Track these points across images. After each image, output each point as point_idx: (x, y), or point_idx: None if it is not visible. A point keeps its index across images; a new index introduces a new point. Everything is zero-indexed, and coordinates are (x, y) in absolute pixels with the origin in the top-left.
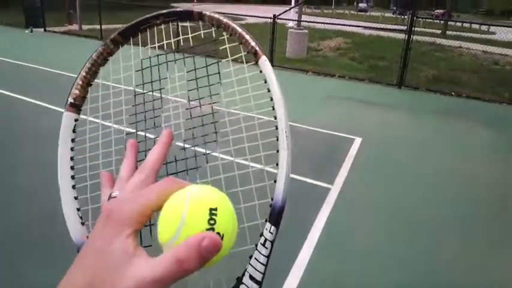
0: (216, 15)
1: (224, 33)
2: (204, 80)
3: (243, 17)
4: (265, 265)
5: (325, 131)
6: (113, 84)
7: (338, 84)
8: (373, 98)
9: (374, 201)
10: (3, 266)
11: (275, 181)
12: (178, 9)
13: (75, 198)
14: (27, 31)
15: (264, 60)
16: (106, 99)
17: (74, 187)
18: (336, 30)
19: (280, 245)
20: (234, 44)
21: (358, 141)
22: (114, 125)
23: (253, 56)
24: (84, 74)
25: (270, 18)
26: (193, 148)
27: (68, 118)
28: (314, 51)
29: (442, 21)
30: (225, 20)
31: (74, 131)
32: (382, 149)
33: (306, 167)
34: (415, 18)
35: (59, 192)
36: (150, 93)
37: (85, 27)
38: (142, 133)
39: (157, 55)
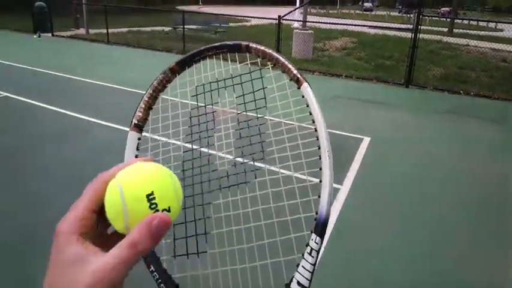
0: (262, 48)
1: (269, 63)
2: (251, 104)
3: (248, 18)
4: (312, 272)
5: (333, 131)
6: (173, 99)
7: (345, 84)
8: (381, 97)
9: (383, 201)
10: (17, 268)
11: (319, 196)
12: (228, 43)
13: None
14: (35, 36)
15: (305, 87)
16: (165, 120)
17: None
18: (342, 30)
19: (288, 239)
20: (278, 72)
21: (366, 140)
22: (175, 141)
23: (296, 83)
24: (146, 98)
25: (275, 19)
26: (242, 162)
27: (132, 137)
28: (320, 52)
29: (448, 19)
30: (269, 51)
31: (137, 148)
32: (391, 149)
33: (314, 166)
34: (421, 16)
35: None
36: (204, 115)
37: (92, 31)
38: (197, 151)
39: (210, 82)
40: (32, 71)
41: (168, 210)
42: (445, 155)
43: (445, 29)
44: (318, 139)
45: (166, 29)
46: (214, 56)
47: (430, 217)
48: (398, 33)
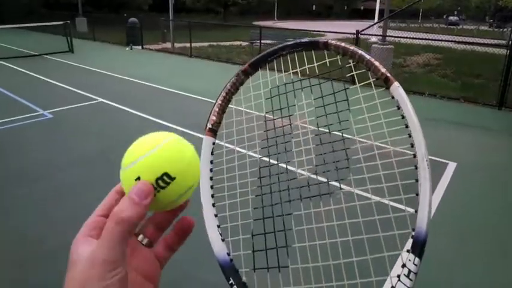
0: (342, 44)
1: (350, 61)
2: (332, 107)
3: (323, 33)
4: None
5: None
6: (246, 110)
7: (428, 103)
8: (469, 119)
9: (468, 235)
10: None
11: (416, 211)
12: (304, 40)
13: (215, 215)
14: (127, 48)
15: (396, 86)
16: (240, 125)
17: (213, 205)
18: (424, 45)
19: (381, 257)
20: (361, 71)
21: (452, 166)
22: (248, 152)
23: (384, 83)
24: (220, 102)
25: (353, 34)
26: (324, 175)
27: (207, 141)
28: (400, 68)
29: None
30: (352, 47)
31: (212, 153)
32: (480, 177)
33: (395, 191)
34: None
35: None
36: (280, 119)
37: (177, 45)
38: (274, 157)
39: (285, 83)
40: (123, 80)
41: (163, 179)
42: None
43: None
44: (413, 146)
45: (244, 43)
46: (288, 55)
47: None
48: (489, 50)
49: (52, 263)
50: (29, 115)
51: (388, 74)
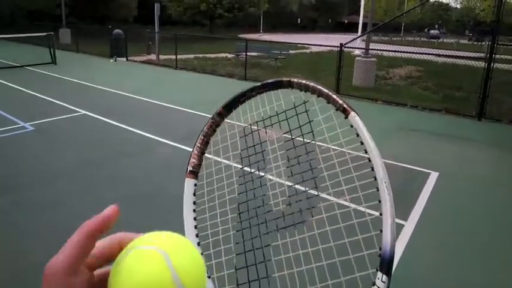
0: (303, 81)
1: (313, 96)
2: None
3: (308, 45)
4: None
5: (397, 163)
6: (222, 151)
7: (410, 115)
8: (450, 130)
9: (450, 245)
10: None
11: (381, 231)
12: (270, 81)
13: (201, 254)
14: (111, 60)
15: (353, 116)
16: (218, 164)
17: (198, 244)
18: (406, 58)
19: (353, 279)
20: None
21: (434, 176)
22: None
23: (342, 113)
24: (198, 144)
25: (336, 46)
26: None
27: (188, 184)
28: (383, 80)
29: None
30: (311, 83)
31: (194, 194)
32: (461, 186)
33: (373, 199)
34: (495, 45)
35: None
36: (254, 155)
37: (162, 57)
38: (251, 193)
39: (257, 121)
40: (107, 92)
41: None
42: None
43: None
44: (373, 169)
45: (229, 55)
46: (258, 96)
47: (499, 268)
48: (469, 62)
49: (33, 277)
50: (9, 127)
51: (345, 105)
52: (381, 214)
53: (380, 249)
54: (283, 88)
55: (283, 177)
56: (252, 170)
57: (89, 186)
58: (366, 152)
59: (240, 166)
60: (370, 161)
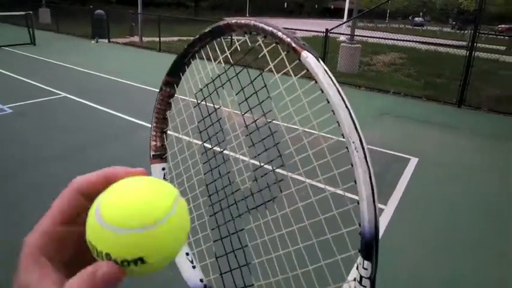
0: (243, 21)
1: (259, 38)
2: (254, 97)
3: (294, 30)
4: None
5: (379, 149)
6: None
7: (393, 101)
8: (431, 116)
9: (427, 226)
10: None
11: (358, 202)
12: (207, 29)
13: None
14: (93, 41)
15: (305, 57)
16: (179, 142)
17: None
18: (390, 45)
19: (331, 256)
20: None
21: (414, 161)
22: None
23: (294, 53)
24: (154, 124)
25: (322, 32)
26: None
27: (155, 170)
28: (367, 66)
29: (507, 37)
30: (252, 22)
31: (164, 179)
32: (440, 171)
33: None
34: (477, 33)
35: None
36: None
37: (145, 39)
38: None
39: (206, 84)
40: (89, 74)
41: (135, 261)
42: (498, 182)
43: (503, 48)
44: (339, 125)
45: None
46: (201, 50)
47: (474, 246)
48: (451, 50)
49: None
50: None
51: (294, 44)
52: (355, 182)
53: (359, 225)
54: (225, 35)
55: (244, 150)
56: (213, 146)
57: (71, 170)
58: (329, 102)
59: (201, 142)
60: (334, 113)
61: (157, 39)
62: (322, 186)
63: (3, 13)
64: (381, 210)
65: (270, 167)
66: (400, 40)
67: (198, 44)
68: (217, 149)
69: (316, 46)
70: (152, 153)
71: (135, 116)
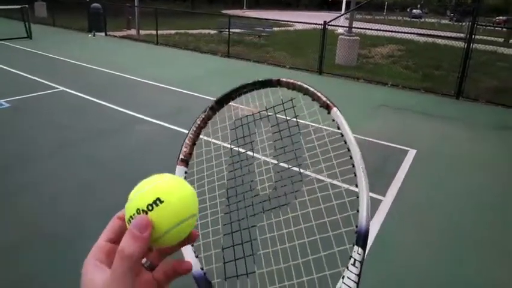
0: (291, 80)
1: (299, 93)
2: (286, 131)
3: (292, 23)
4: (357, 282)
5: (377, 141)
6: (213, 141)
7: (391, 93)
8: (429, 108)
9: (425, 218)
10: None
11: (357, 210)
12: (260, 79)
13: None
14: (90, 35)
15: (335, 111)
16: (208, 154)
17: None
18: (389, 37)
19: (332, 253)
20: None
21: (412, 153)
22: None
23: (326, 109)
24: (190, 135)
25: (320, 24)
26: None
27: (179, 171)
28: (365, 58)
29: (504, 29)
30: (298, 82)
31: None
32: (438, 163)
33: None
34: (475, 25)
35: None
36: (243, 145)
37: (142, 32)
38: (240, 179)
39: (247, 115)
40: (86, 68)
41: (155, 202)
42: (496, 174)
43: (501, 39)
44: (351, 158)
45: (212, 32)
46: (249, 93)
47: (474, 239)
48: (449, 42)
49: (13, 258)
50: None
51: (329, 102)
52: (357, 197)
53: (357, 226)
54: (272, 87)
55: (269, 163)
56: (241, 157)
57: (68, 166)
58: (346, 143)
59: (229, 155)
60: (349, 150)
61: (154, 32)
62: (325, 181)
63: None
64: (379, 201)
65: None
66: (398, 32)
67: (249, 87)
68: (245, 160)
69: (314, 39)
70: (181, 157)
71: (134, 110)
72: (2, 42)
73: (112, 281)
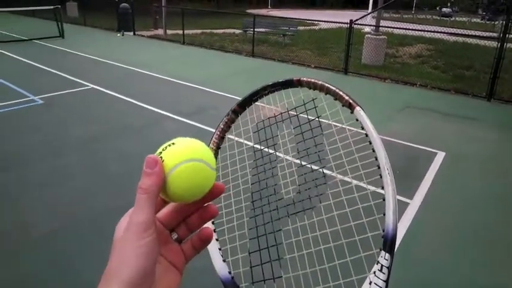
0: (312, 80)
1: (321, 93)
2: (309, 132)
3: (317, 22)
4: None
5: (405, 142)
6: (237, 141)
7: (419, 94)
8: (459, 110)
9: (453, 222)
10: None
11: (384, 214)
12: (281, 80)
13: (216, 240)
14: (118, 34)
15: (358, 110)
16: (233, 157)
17: (214, 231)
18: (417, 36)
19: (358, 258)
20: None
21: (441, 155)
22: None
23: (348, 108)
24: (215, 140)
25: (346, 23)
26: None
27: None
28: (392, 58)
29: None
30: (319, 82)
31: None
32: (467, 167)
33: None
34: (509, 24)
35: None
36: (266, 147)
37: (169, 32)
38: (264, 183)
39: (268, 118)
40: (115, 67)
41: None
42: None
43: None
44: (376, 159)
45: (237, 31)
46: (270, 94)
47: (503, 245)
48: (480, 42)
49: (43, 247)
50: (19, 100)
51: (351, 101)
52: (383, 199)
53: (383, 230)
54: (293, 87)
55: (293, 166)
56: (264, 160)
57: (96, 160)
58: (370, 143)
59: (253, 159)
60: (374, 151)
61: (181, 32)
62: (351, 183)
63: (32, 7)
64: (407, 204)
65: (313, 183)
66: (427, 31)
67: (269, 88)
68: (269, 164)
69: (339, 38)
70: None
71: (161, 108)
72: (37, 41)
73: (133, 212)
